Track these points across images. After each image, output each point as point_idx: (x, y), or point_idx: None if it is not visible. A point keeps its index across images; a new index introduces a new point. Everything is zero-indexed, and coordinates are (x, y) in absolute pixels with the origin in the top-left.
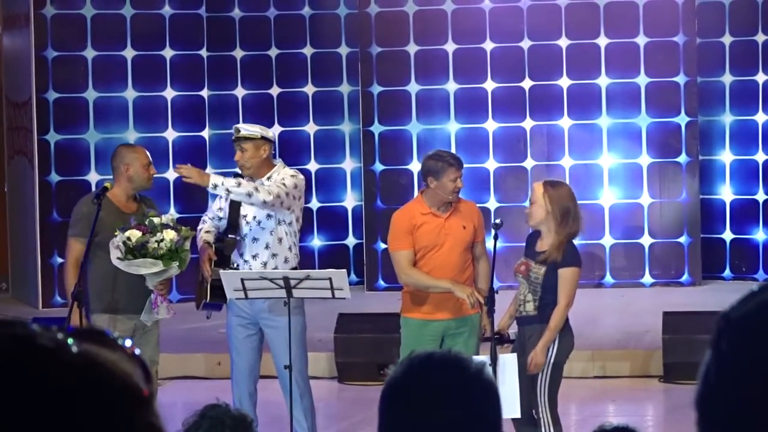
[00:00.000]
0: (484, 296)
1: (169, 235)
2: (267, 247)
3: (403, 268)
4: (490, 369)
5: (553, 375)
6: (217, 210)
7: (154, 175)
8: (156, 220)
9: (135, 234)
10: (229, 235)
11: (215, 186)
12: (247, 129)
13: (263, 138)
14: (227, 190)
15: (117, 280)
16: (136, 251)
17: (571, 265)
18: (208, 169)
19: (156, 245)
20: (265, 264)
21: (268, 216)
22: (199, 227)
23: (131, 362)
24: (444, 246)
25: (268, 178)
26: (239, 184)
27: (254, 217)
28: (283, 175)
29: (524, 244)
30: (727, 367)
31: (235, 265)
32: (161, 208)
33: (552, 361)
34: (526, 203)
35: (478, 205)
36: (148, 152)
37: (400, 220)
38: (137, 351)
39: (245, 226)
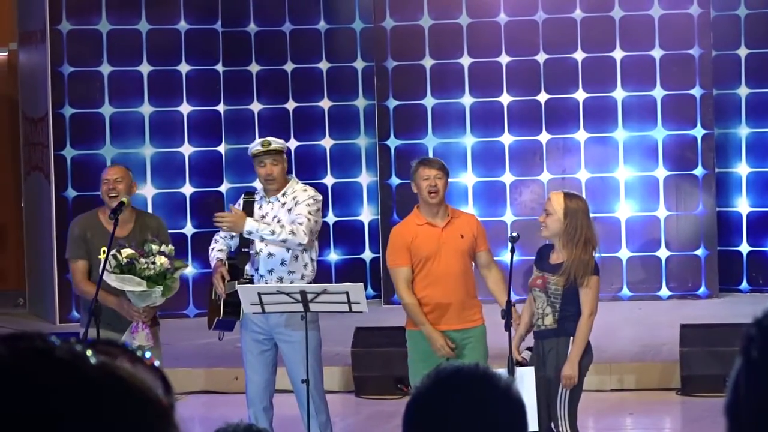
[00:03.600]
0: (503, 308)
1: (161, 260)
2: (283, 263)
3: (400, 289)
4: (518, 386)
5: (574, 388)
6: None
7: (115, 190)
8: (155, 247)
9: (127, 251)
10: (243, 249)
11: (250, 233)
12: (277, 142)
13: (286, 151)
14: (262, 237)
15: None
16: (124, 267)
17: (592, 274)
18: (224, 186)
19: (145, 266)
20: (281, 279)
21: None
22: (211, 246)
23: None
24: (442, 256)
25: (283, 194)
26: (273, 233)
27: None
28: (304, 200)
29: (535, 257)
30: (758, 374)
31: (250, 277)
32: (177, 224)
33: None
34: (542, 215)
35: (494, 218)
36: (115, 168)
37: (397, 236)
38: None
39: (260, 241)
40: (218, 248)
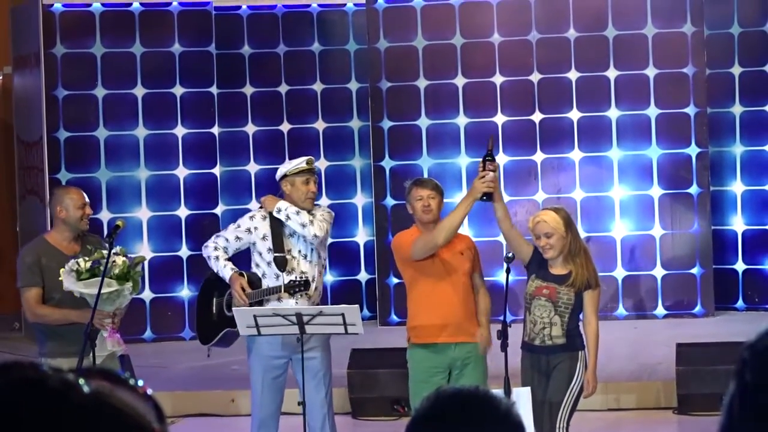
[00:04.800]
0: (484, 329)
1: (120, 258)
2: (313, 279)
3: (425, 240)
4: (518, 408)
5: (576, 400)
6: (243, 232)
7: (90, 216)
8: (105, 252)
9: (85, 260)
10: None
11: (279, 210)
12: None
13: None
14: (287, 216)
15: (65, 324)
16: (88, 272)
17: (599, 285)
18: (220, 208)
19: (111, 265)
20: (309, 297)
21: (313, 250)
22: (212, 254)
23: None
24: (444, 273)
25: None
26: (298, 212)
27: (299, 251)
28: (321, 213)
29: (531, 263)
30: (751, 398)
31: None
32: (172, 246)
33: (578, 387)
34: (540, 239)
35: (489, 238)
36: (84, 193)
37: (402, 235)
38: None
39: (292, 259)
40: (224, 257)
